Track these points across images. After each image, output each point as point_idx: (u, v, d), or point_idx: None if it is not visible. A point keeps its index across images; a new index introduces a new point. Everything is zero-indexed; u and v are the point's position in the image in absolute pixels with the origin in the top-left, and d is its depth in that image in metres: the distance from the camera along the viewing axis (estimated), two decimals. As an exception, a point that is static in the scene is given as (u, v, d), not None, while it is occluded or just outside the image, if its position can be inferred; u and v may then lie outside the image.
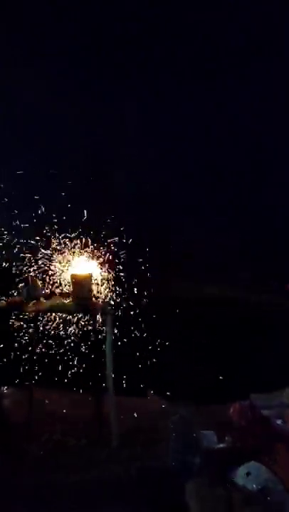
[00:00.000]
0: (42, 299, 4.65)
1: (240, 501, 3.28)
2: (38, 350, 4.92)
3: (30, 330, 4.85)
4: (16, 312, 4.74)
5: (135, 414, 4.88)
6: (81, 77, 8.92)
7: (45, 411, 4.98)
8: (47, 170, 7.06)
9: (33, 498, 3.79)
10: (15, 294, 4.73)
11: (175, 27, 8.65)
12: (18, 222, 5.04)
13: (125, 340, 5.04)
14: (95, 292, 4.71)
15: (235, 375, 5.12)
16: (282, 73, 8.88)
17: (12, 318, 4.81)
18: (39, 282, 4.72)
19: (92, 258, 4.81)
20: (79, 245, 4.83)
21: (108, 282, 4.87)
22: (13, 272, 4.87)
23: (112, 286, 4.90)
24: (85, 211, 5.01)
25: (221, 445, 3.81)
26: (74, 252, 4.82)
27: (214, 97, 9.18)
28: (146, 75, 9.02)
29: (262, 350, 5.41)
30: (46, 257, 4.83)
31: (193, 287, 6.31)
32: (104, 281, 4.84)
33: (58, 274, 4.84)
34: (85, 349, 4.95)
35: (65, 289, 4.79)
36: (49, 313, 4.78)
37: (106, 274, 4.84)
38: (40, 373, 4.97)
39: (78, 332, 4.92)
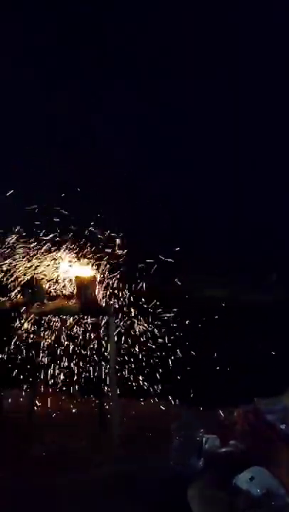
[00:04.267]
0: (46, 301, 4.67)
1: (244, 506, 3.29)
2: (40, 352, 4.93)
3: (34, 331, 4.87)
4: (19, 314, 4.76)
5: (138, 417, 4.89)
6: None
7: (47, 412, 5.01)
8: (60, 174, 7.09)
9: (33, 499, 3.80)
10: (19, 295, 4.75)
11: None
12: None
13: (128, 342, 5.05)
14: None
15: (239, 379, 5.13)
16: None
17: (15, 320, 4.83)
18: (43, 284, 4.74)
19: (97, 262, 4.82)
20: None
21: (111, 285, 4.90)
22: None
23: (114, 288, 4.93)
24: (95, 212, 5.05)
25: (225, 449, 3.81)
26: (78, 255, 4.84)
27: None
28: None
29: (265, 353, 5.41)
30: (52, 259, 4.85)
31: (197, 287, 6.33)
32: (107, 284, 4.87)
33: (62, 276, 4.86)
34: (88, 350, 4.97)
35: (69, 292, 4.81)
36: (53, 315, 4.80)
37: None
38: (42, 375, 4.99)
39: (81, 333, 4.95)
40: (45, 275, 4.83)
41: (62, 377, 5.09)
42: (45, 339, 4.92)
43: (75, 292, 4.63)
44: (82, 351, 5.01)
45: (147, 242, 6.57)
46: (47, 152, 8.38)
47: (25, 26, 8.58)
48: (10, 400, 5.15)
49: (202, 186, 9.04)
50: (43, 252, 4.87)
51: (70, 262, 4.84)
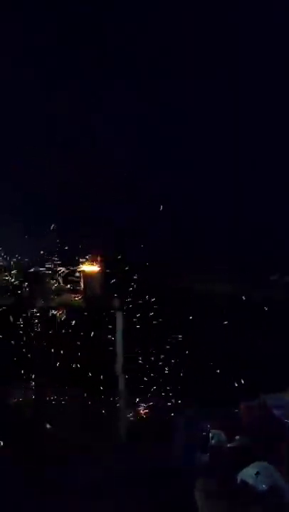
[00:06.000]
0: (53, 296, 4.68)
1: (249, 500, 3.28)
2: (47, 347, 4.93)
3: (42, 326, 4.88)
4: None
5: (143, 413, 4.89)
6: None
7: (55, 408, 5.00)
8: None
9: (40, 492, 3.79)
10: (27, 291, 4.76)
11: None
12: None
13: (133, 339, 5.04)
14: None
15: (245, 375, 5.12)
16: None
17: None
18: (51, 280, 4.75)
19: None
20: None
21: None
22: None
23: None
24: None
25: (230, 444, 3.80)
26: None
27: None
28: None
29: (272, 350, 5.41)
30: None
31: (199, 287, 6.31)
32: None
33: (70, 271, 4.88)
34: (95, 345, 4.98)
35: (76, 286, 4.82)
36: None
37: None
38: (49, 370, 4.99)
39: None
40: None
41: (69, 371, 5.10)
42: (52, 334, 4.93)
43: (81, 288, 4.64)
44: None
45: (147, 242, 6.58)
46: (47, 152, 8.38)
47: (25, 26, 8.60)
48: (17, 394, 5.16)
49: (202, 186, 9.04)
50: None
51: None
